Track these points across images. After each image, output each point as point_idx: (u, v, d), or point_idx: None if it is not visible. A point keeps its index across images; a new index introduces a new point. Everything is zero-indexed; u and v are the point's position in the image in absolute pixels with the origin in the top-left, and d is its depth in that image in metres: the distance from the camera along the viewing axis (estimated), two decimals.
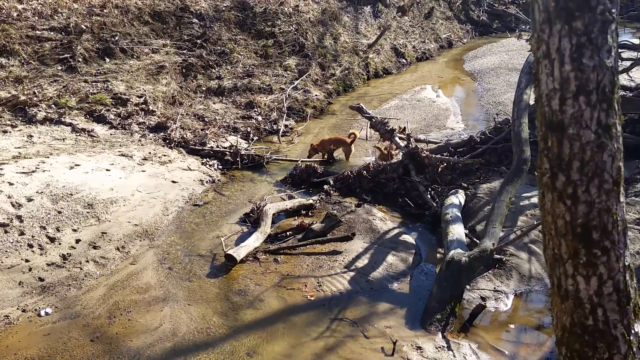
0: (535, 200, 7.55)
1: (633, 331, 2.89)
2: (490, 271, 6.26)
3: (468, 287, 5.95)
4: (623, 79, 10.23)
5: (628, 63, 9.85)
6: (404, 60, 18.62)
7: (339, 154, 10.12)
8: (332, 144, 10.01)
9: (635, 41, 11.24)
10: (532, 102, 7.64)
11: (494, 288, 6.01)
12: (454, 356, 5.01)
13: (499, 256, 6.38)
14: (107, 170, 8.16)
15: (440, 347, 5.11)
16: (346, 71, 15.72)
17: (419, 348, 5.08)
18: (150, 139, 9.93)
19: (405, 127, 11.42)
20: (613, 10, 2.57)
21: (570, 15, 2.58)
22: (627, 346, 2.89)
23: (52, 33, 11.43)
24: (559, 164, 2.76)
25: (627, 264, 2.85)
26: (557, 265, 2.93)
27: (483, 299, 5.81)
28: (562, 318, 3.03)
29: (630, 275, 2.87)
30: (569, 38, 2.60)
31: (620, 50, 10.06)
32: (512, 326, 5.50)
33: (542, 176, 2.90)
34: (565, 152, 2.72)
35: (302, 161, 9.48)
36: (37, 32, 11.28)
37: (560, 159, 2.75)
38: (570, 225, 2.80)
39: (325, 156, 10.04)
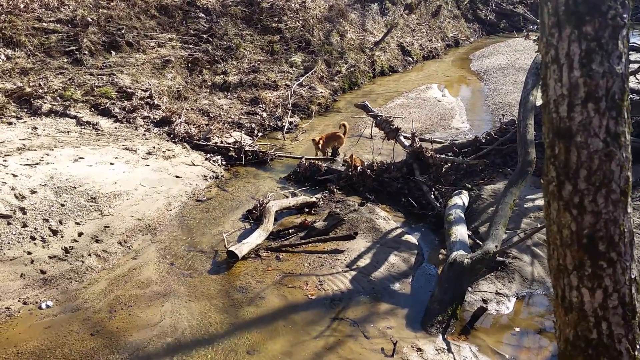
0: (539, 202, 7.51)
1: (638, 346, 2.82)
2: (492, 273, 6.23)
3: (470, 289, 5.93)
4: (631, 82, 10.14)
5: (636, 65, 9.77)
6: (410, 58, 18.54)
7: (344, 151, 10.05)
8: (332, 140, 9.94)
9: None
10: (538, 103, 7.58)
11: (496, 291, 5.98)
12: (454, 358, 4.99)
13: (501, 258, 6.35)
14: (111, 163, 8.15)
15: (440, 349, 5.09)
16: (352, 68, 15.67)
17: (419, 349, 5.06)
18: (155, 134, 9.92)
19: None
20: (624, 15, 2.50)
21: (581, 20, 2.51)
22: None
23: (58, 25, 11.42)
24: (566, 172, 2.69)
25: (633, 276, 2.77)
26: (562, 276, 2.86)
27: (485, 301, 5.78)
28: (565, 330, 2.96)
29: (637, 288, 2.80)
30: (578, 43, 2.53)
31: None
32: (513, 329, 5.48)
33: (548, 184, 2.83)
34: (572, 160, 2.65)
35: (306, 158, 9.45)
36: (44, 24, 11.27)
37: (567, 167, 2.68)
38: (576, 235, 2.73)
39: (329, 152, 9.99)
